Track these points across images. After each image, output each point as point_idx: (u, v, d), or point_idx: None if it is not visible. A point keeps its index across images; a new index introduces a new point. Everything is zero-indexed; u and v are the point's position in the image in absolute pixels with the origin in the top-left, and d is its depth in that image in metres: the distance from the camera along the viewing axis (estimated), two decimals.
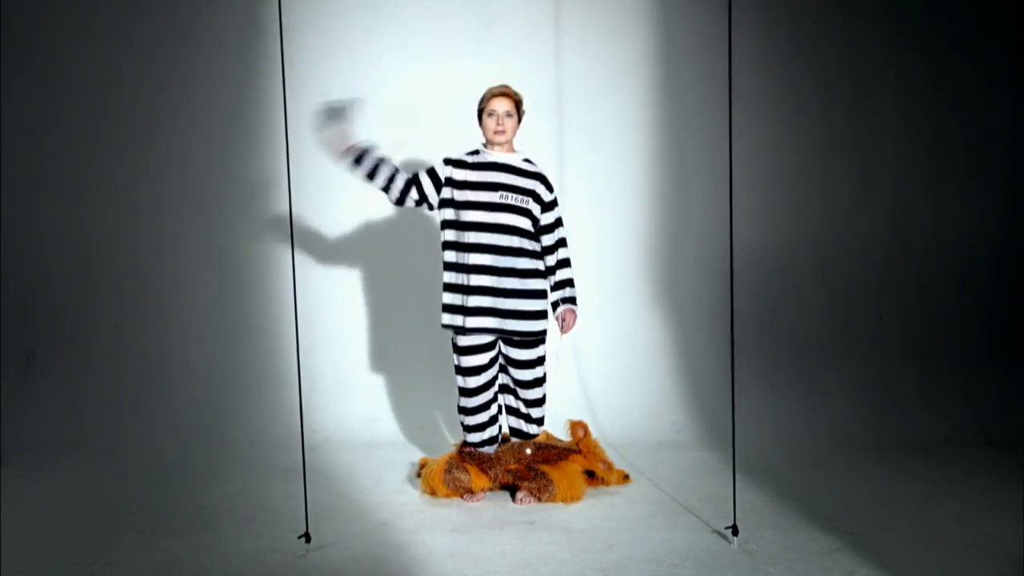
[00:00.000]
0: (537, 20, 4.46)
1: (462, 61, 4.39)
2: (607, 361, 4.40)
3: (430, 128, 4.38)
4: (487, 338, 3.15)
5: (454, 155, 3.22)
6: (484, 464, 3.20)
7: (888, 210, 4.61)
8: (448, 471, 3.17)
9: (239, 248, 4.44)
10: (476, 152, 3.23)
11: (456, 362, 3.20)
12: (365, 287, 4.42)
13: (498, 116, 3.14)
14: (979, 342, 4.56)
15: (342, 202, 4.40)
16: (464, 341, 3.15)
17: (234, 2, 4.41)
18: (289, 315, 4.20)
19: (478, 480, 3.16)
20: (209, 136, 4.41)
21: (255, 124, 4.42)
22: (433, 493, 3.19)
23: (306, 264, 4.36)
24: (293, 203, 2.86)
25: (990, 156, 4.67)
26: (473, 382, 3.18)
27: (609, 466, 3.29)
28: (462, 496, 3.16)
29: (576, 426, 3.34)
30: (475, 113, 3.24)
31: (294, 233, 2.78)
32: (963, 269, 4.62)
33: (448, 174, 3.16)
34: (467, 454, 3.23)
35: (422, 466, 3.44)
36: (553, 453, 3.23)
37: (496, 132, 3.15)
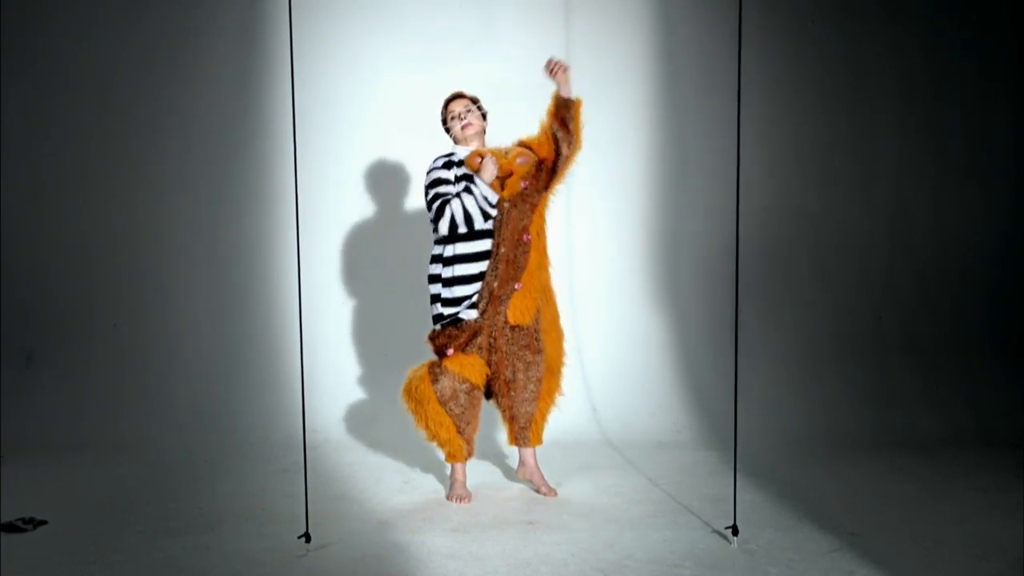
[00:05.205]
0: (539, 20, 4.46)
1: (462, 64, 4.38)
2: (608, 360, 4.39)
3: (430, 130, 4.37)
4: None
5: (441, 160, 3.23)
6: (468, 341, 3.09)
7: (888, 210, 4.61)
8: (443, 401, 3.05)
9: (239, 248, 4.43)
10: (451, 158, 3.23)
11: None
12: (366, 287, 4.42)
13: (458, 114, 3.23)
14: (979, 342, 4.55)
15: (343, 201, 4.39)
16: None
17: (234, 2, 4.41)
18: (289, 315, 4.19)
19: (473, 369, 3.08)
20: (209, 136, 4.41)
21: (255, 124, 4.41)
22: (421, 411, 3.09)
23: (306, 264, 4.35)
24: (295, 203, 2.87)
25: (990, 156, 4.66)
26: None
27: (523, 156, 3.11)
28: (460, 456, 3.17)
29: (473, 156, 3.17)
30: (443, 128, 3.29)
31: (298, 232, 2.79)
32: (963, 269, 4.62)
33: (450, 175, 3.20)
34: (446, 337, 3.11)
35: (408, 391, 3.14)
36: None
37: (464, 127, 3.22)
